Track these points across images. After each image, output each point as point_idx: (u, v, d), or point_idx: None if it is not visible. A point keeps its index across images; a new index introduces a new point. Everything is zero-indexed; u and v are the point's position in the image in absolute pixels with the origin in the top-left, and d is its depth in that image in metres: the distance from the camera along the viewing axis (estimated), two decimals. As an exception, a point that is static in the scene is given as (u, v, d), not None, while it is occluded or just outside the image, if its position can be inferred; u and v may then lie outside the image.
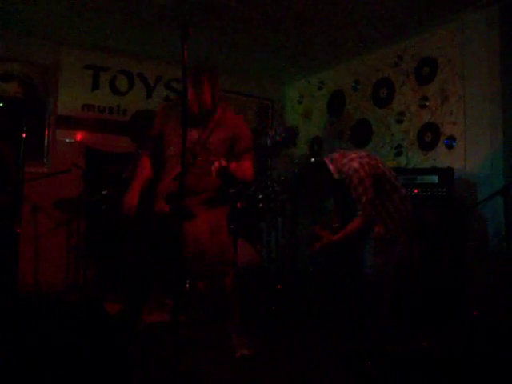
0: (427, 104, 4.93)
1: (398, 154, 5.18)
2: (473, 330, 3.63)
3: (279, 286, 4.40)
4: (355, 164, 3.31)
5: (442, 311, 3.85)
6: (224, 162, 2.84)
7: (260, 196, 4.53)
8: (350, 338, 3.36)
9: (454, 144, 4.66)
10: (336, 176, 3.41)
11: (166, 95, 6.04)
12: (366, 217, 3.29)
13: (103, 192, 4.56)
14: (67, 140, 5.47)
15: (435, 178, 4.23)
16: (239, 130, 3.14)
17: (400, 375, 2.70)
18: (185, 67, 2.64)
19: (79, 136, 5.54)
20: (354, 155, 3.40)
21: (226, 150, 3.09)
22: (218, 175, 2.88)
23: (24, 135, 4.15)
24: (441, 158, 4.75)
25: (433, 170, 4.36)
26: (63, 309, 2.93)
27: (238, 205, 4.29)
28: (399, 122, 5.19)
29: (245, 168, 3.06)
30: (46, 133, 5.40)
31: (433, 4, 4.42)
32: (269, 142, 4.84)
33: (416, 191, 4.22)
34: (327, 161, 3.46)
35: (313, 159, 4.25)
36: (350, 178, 3.31)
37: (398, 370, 2.78)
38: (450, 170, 4.26)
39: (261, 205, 4.53)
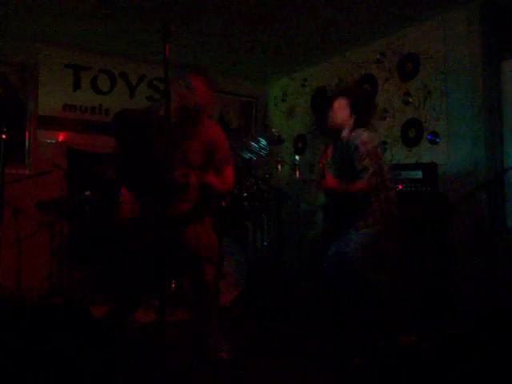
0: (410, 100, 4.95)
1: (383, 150, 5.19)
2: (458, 324, 3.65)
3: (265, 285, 4.39)
4: (365, 137, 3.26)
5: (427, 306, 3.86)
6: (200, 178, 2.78)
7: (245, 194, 4.52)
8: (338, 336, 3.36)
9: (437, 140, 4.69)
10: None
11: (149, 95, 6.00)
12: (370, 186, 3.22)
13: (86, 193, 4.50)
14: (49, 141, 5.40)
15: (419, 174, 4.24)
16: (216, 139, 3.02)
17: (388, 371, 2.71)
18: (167, 66, 2.61)
19: (61, 136, 5.47)
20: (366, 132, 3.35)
21: (202, 160, 2.97)
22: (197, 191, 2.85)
23: (4, 136, 4.08)
24: (425, 153, 4.77)
25: (417, 166, 4.37)
26: (47, 312, 2.89)
27: (223, 203, 4.27)
28: (383, 118, 5.21)
29: (225, 179, 2.98)
30: (27, 134, 5.32)
31: (414, 0, 4.44)
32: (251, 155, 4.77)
33: (400, 187, 4.23)
34: None
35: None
36: (357, 148, 3.23)
37: (387, 365, 2.78)
38: (434, 165, 4.28)
39: (245, 203, 4.51)
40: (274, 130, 5.68)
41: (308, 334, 3.51)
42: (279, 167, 5.09)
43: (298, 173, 5.02)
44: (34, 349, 2.30)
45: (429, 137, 4.75)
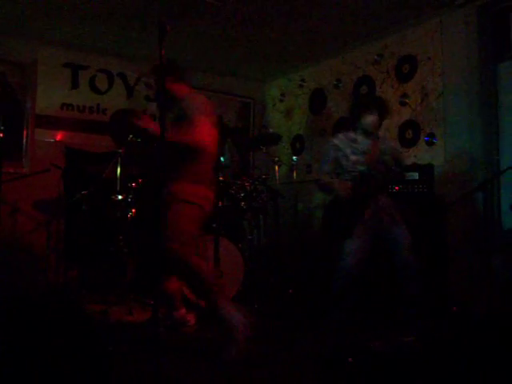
0: (407, 101, 4.96)
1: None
2: (453, 325, 3.66)
3: (261, 285, 4.39)
4: None
5: (422, 307, 3.87)
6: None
7: (242, 195, 4.52)
8: (331, 336, 3.37)
9: (434, 141, 4.70)
10: None
11: (146, 95, 5.99)
12: None
13: (83, 192, 4.51)
14: (46, 140, 5.41)
15: (416, 175, 4.24)
16: (185, 107, 2.94)
17: (382, 371, 2.71)
18: (161, 65, 2.61)
19: (59, 135, 5.48)
20: None
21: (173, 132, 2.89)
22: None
23: (1, 135, 4.09)
24: (421, 154, 4.78)
25: (413, 167, 4.37)
26: (42, 310, 2.89)
27: (220, 203, 4.27)
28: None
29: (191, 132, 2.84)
30: (25, 132, 5.34)
31: (412, 2, 4.45)
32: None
33: (397, 188, 4.23)
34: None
35: None
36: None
37: (380, 366, 2.78)
38: (431, 166, 4.29)
39: (243, 204, 4.51)
40: (271, 130, 5.70)
41: (302, 333, 3.51)
42: (276, 168, 5.09)
43: (295, 173, 5.03)
44: (26, 346, 2.30)
45: (426, 138, 4.76)
